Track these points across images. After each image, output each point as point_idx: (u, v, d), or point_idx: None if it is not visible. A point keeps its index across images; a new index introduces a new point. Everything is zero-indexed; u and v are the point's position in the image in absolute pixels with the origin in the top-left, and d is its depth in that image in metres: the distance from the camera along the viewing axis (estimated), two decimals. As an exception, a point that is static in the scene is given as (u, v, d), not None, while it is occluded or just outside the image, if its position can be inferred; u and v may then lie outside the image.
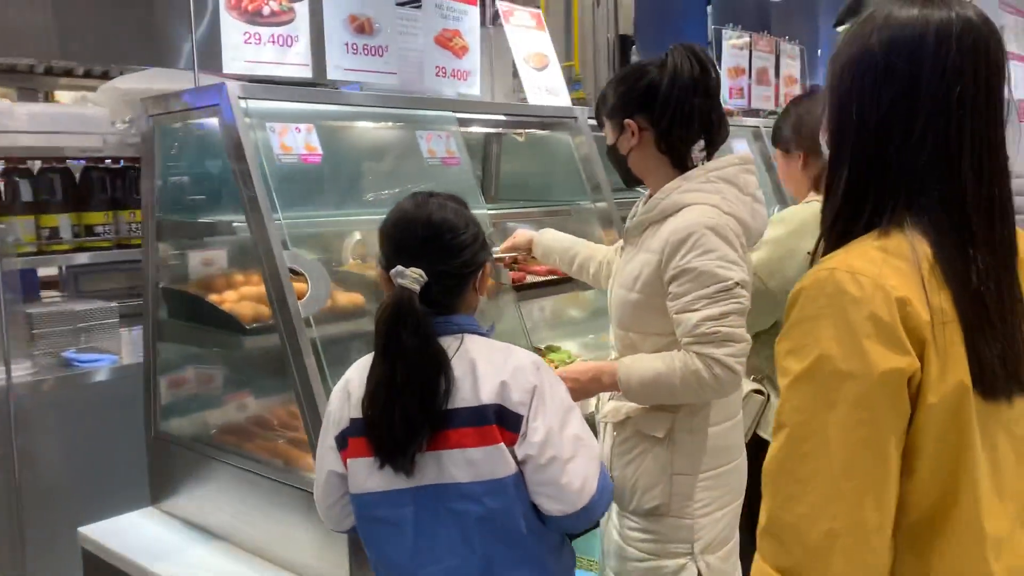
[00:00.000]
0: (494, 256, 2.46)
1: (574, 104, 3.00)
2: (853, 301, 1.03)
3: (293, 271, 1.96)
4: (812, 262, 1.16)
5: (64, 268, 3.51)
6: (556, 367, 1.93)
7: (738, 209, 1.88)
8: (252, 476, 2.13)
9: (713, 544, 1.92)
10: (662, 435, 1.86)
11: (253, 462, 2.16)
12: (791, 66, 4.58)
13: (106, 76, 3.40)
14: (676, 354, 1.80)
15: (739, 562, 2.03)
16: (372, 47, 2.54)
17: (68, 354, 2.88)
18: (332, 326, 2.12)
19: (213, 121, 2.15)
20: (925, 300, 1.04)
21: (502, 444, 1.44)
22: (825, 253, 1.15)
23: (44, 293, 3.46)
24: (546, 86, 2.94)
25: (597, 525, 2.04)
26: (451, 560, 1.47)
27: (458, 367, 1.45)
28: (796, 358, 1.07)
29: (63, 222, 2.96)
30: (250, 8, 2.27)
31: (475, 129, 2.81)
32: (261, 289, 2.24)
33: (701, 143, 1.96)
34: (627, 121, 1.91)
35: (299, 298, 1.97)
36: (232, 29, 2.25)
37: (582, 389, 1.90)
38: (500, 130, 2.85)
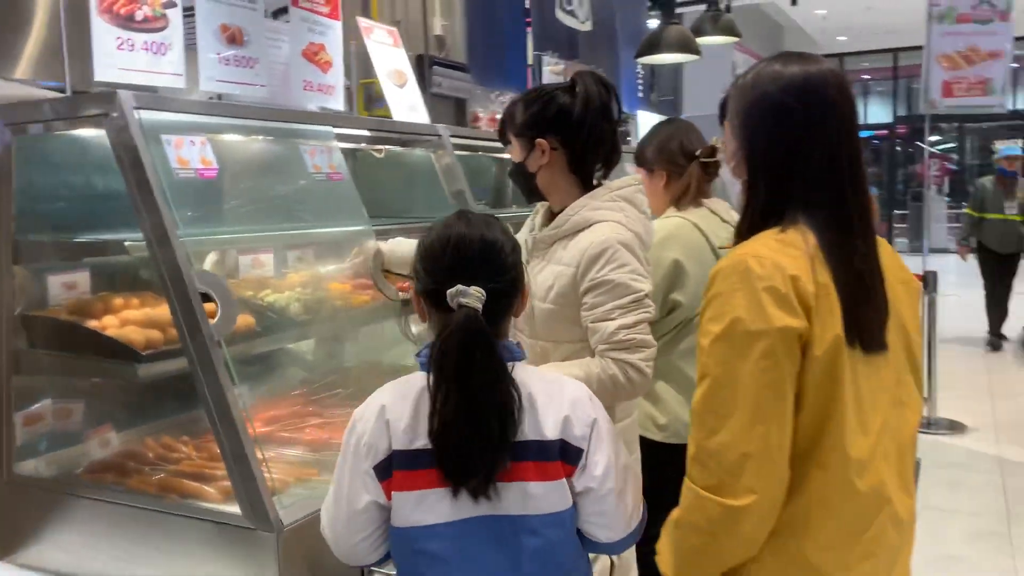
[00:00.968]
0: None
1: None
2: (758, 277, 1.35)
3: (204, 295, 1.85)
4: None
5: None
6: None
7: (637, 226, 2.05)
8: (149, 513, 1.98)
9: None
10: None
11: (146, 498, 2.01)
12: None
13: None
14: (592, 360, 1.93)
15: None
16: (242, 58, 2.45)
17: None
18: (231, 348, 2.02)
19: (93, 132, 1.99)
20: (812, 277, 1.36)
21: (564, 479, 1.44)
22: (736, 243, 1.46)
23: None
24: (407, 103, 2.97)
25: None
26: None
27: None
28: (715, 323, 1.37)
29: None
30: (123, 12, 2.12)
31: (341, 144, 2.78)
32: (147, 313, 2.10)
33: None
34: (539, 140, 2.01)
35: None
36: (104, 34, 2.09)
37: None
38: (363, 146, 2.84)
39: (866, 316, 1.40)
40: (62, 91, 2.21)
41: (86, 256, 2.15)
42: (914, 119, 18.65)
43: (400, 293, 2.49)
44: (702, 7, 5.60)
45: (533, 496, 1.42)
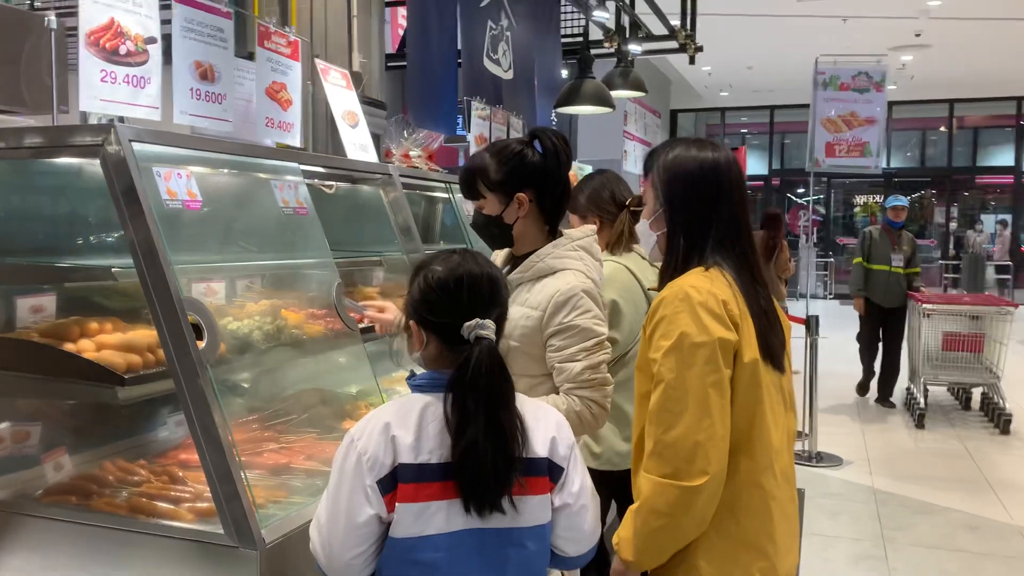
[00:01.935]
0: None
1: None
2: (697, 301, 1.69)
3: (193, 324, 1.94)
4: (660, 288, 1.83)
5: None
6: None
7: (594, 274, 2.27)
8: (119, 533, 2.00)
9: None
10: None
11: (116, 518, 2.04)
12: (516, 137, 5.15)
13: None
14: (559, 397, 2.12)
15: None
16: (212, 94, 2.54)
17: None
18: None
19: (72, 161, 2.04)
20: (735, 303, 1.73)
21: (548, 494, 1.59)
22: (662, 280, 1.84)
23: None
24: (359, 142, 3.11)
25: None
26: None
27: None
28: (665, 339, 1.69)
29: None
30: (108, 47, 2.19)
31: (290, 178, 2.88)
32: (124, 337, 2.15)
33: None
34: (518, 195, 2.19)
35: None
36: (90, 66, 2.15)
37: None
38: (315, 181, 2.95)
39: (773, 343, 1.78)
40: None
41: (55, 281, 2.17)
42: (788, 172, 19.91)
43: (359, 324, 2.62)
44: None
45: (523, 510, 1.56)
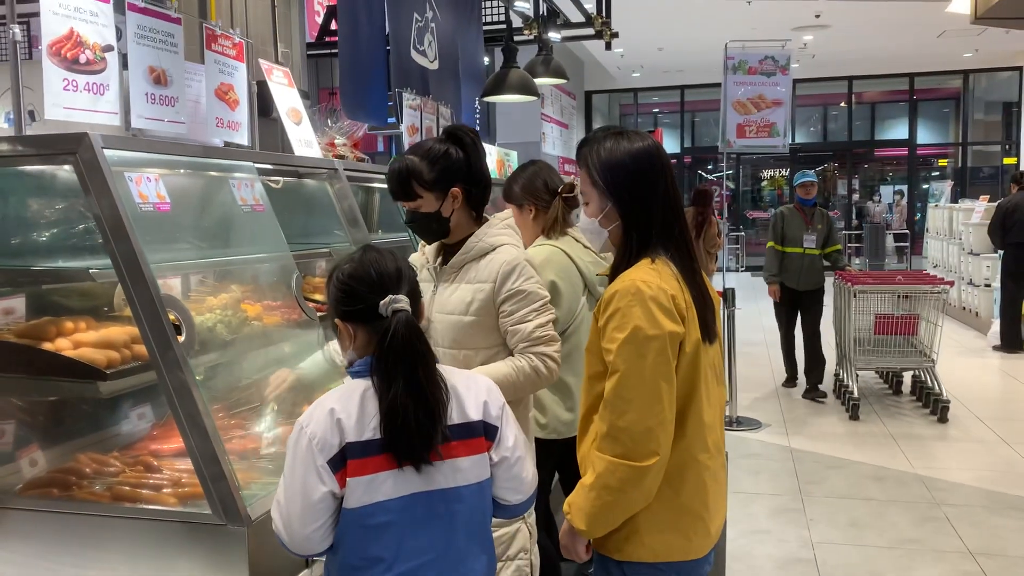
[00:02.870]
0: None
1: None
2: (649, 297, 1.82)
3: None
4: (611, 279, 1.96)
5: None
6: None
7: (523, 248, 2.50)
8: (104, 519, 2.12)
9: (530, 510, 2.47)
10: None
11: (100, 506, 2.15)
12: (444, 126, 5.31)
13: None
14: (514, 358, 2.34)
15: None
16: (166, 97, 2.64)
17: None
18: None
19: (40, 168, 2.13)
20: (682, 296, 1.87)
21: (486, 453, 1.78)
22: (615, 272, 1.95)
23: None
24: (304, 139, 3.23)
25: None
26: (430, 555, 1.73)
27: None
28: (620, 331, 1.82)
29: None
30: (69, 56, 2.28)
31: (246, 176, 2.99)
32: (102, 334, 2.25)
33: None
34: (454, 189, 2.38)
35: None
36: (53, 75, 2.24)
37: None
38: (262, 177, 3.06)
39: (708, 320, 1.93)
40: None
41: (32, 283, 2.26)
42: (699, 150, 20.51)
43: (317, 314, 2.77)
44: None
45: (462, 470, 1.75)
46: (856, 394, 6.61)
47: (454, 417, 1.76)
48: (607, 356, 1.86)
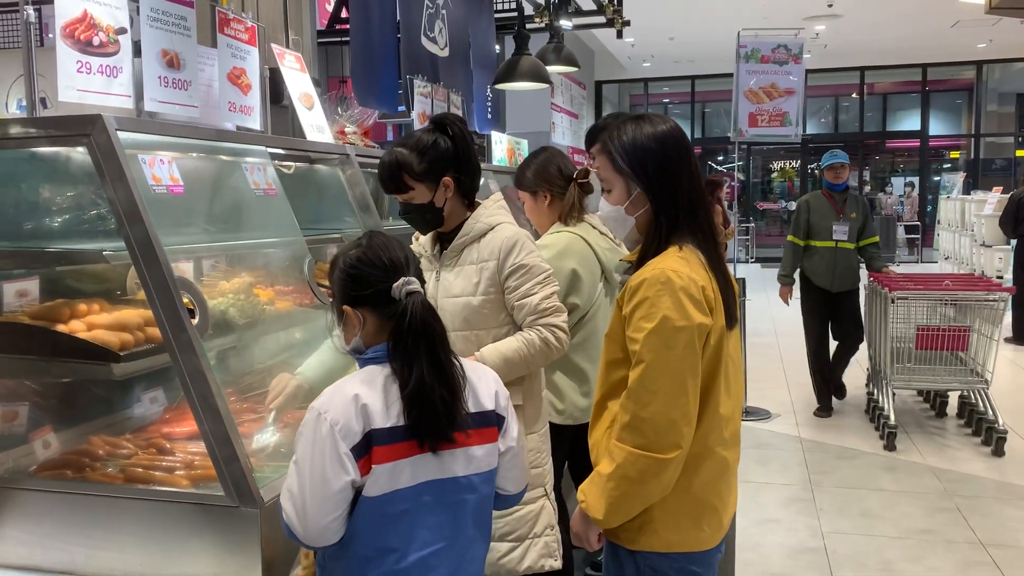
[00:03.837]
0: None
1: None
2: (679, 287, 1.78)
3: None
4: (637, 266, 1.91)
5: None
6: None
7: (516, 225, 2.53)
8: (116, 500, 2.13)
9: (550, 485, 2.48)
10: (520, 402, 2.38)
11: (113, 487, 2.16)
12: (456, 113, 5.30)
13: None
14: (524, 332, 2.37)
15: None
16: (179, 81, 2.64)
17: None
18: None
19: (54, 150, 2.13)
20: (711, 286, 1.84)
21: (496, 442, 1.79)
22: (643, 259, 1.90)
23: None
24: (316, 124, 3.22)
25: None
26: (440, 543, 1.72)
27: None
28: (647, 320, 1.78)
29: None
30: (83, 38, 2.28)
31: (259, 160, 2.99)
32: (115, 317, 2.26)
33: None
34: (445, 179, 2.38)
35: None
36: (67, 58, 2.24)
37: None
38: (274, 162, 3.06)
39: (731, 305, 1.91)
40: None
41: (46, 265, 2.26)
42: (709, 140, 20.43)
43: (329, 299, 2.77)
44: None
45: (475, 458, 1.75)
46: (893, 419, 5.56)
47: (470, 405, 1.75)
48: (632, 345, 1.82)
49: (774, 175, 21.77)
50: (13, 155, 2.24)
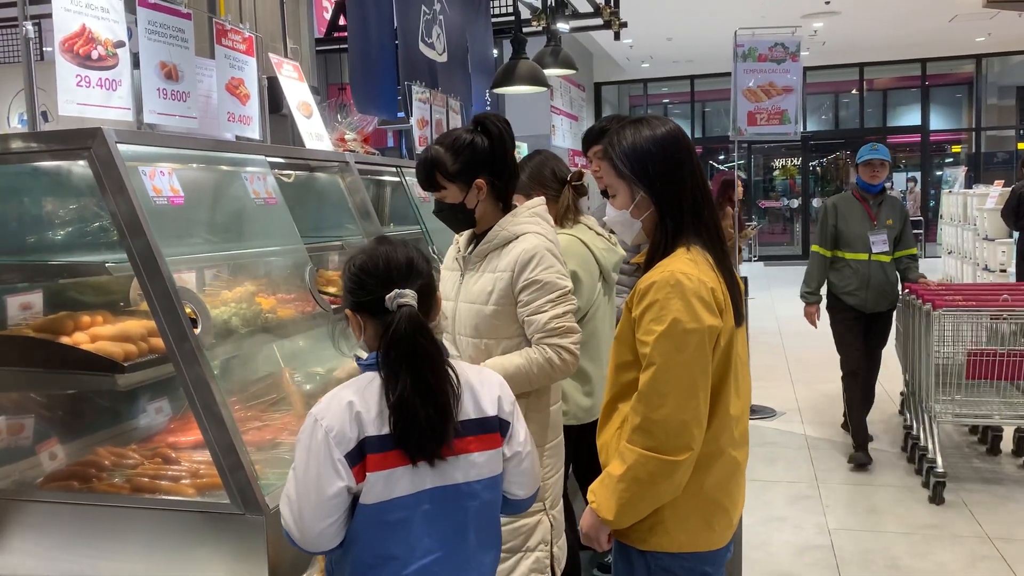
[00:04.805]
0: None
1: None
2: (690, 290, 1.79)
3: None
4: (646, 268, 1.91)
5: None
6: None
7: (552, 236, 2.47)
8: (121, 511, 2.14)
9: (554, 501, 2.46)
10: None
11: (119, 497, 2.18)
12: (455, 118, 5.30)
13: None
14: (530, 349, 2.32)
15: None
16: (178, 92, 2.65)
17: None
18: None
19: (54, 164, 2.15)
20: (720, 287, 1.85)
21: (500, 448, 1.77)
22: (651, 261, 1.90)
23: None
24: (314, 132, 3.24)
25: None
26: (443, 551, 1.71)
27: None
28: (657, 323, 1.79)
29: None
30: (81, 52, 2.30)
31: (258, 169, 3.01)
32: (119, 328, 2.27)
33: None
34: (478, 181, 2.37)
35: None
36: (66, 72, 2.25)
37: None
38: (274, 171, 3.08)
39: (739, 304, 1.92)
40: None
41: (49, 278, 2.28)
42: (710, 139, 20.43)
43: (331, 306, 2.78)
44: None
45: (476, 464, 1.74)
46: (940, 465, 4.49)
47: (470, 412, 1.74)
48: (642, 348, 1.83)
49: (776, 173, 21.75)
50: (15, 169, 2.26)
